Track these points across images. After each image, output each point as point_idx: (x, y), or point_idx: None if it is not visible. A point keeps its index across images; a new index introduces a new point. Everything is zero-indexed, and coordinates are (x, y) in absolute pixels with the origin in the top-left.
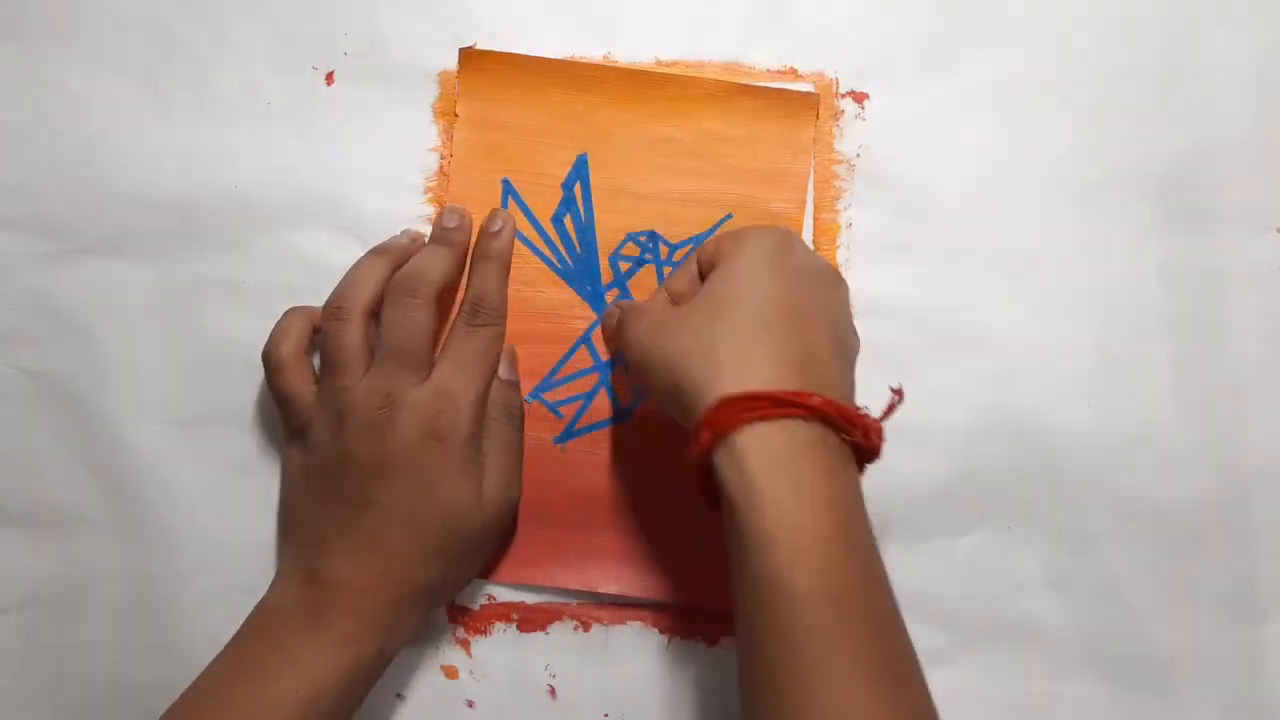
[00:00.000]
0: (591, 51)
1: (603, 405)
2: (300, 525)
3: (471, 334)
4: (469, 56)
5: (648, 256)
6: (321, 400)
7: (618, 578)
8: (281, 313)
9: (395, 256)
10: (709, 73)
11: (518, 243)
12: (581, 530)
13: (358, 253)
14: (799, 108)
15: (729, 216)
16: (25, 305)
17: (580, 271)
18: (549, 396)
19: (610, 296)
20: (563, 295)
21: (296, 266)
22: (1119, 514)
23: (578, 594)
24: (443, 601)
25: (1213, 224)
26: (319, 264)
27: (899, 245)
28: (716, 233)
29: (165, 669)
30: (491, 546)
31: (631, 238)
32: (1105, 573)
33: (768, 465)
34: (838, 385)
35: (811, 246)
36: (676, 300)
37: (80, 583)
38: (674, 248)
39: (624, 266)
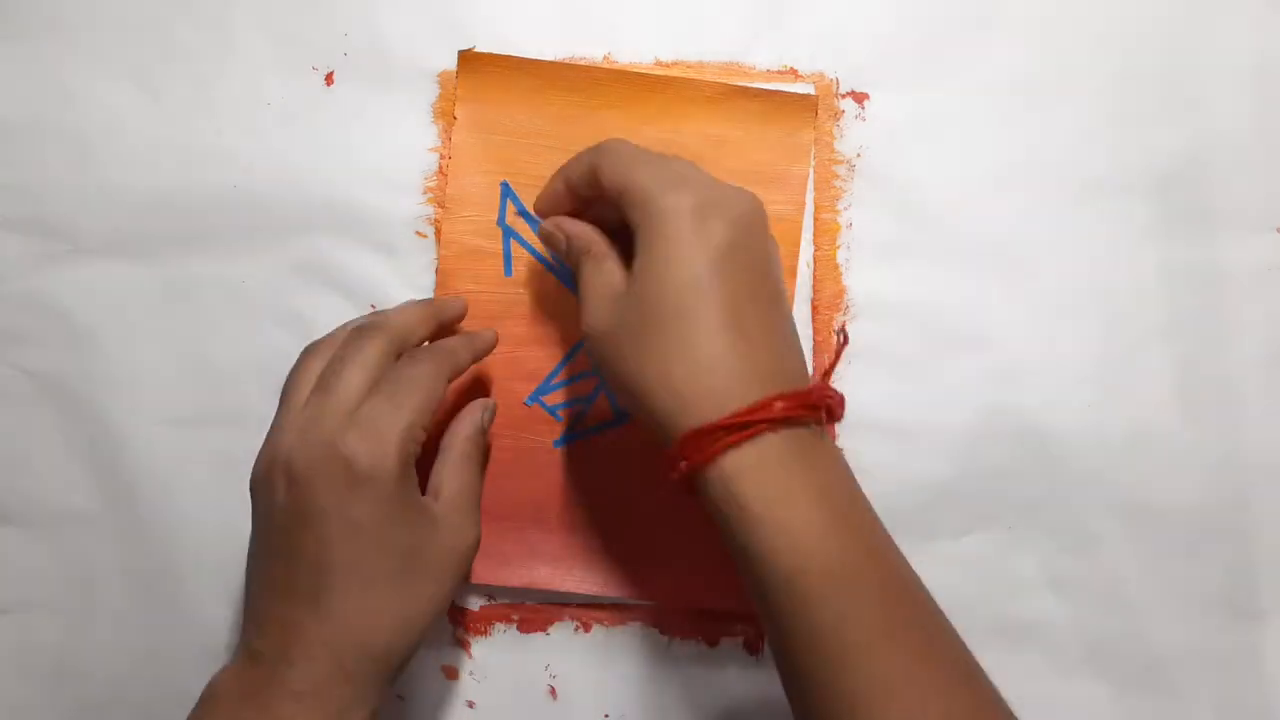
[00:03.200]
0: (592, 51)
1: (602, 408)
2: (247, 586)
3: (407, 362)
4: (468, 59)
5: None
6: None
7: (613, 581)
8: (280, 313)
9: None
10: (709, 73)
11: (516, 245)
12: (579, 533)
13: (357, 253)
14: (798, 110)
15: None
16: (25, 306)
17: None
18: (548, 400)
19: None
20: (562, 298)
21: (296, 266)
22: (1120, 514)
23: (576, 596)
24: (404, 663)
25: (1212, 224)
26: (318, 264)
27: (899, 245)
28: (623, 174)
29: (165, 670)
30: (456, 576)
31: None
32: (1106, 572)
33: (748, 486)
34: (792, 369)
35: (812, 246)
36: (598, 258)
37: (80, 583)
38: None
39: None
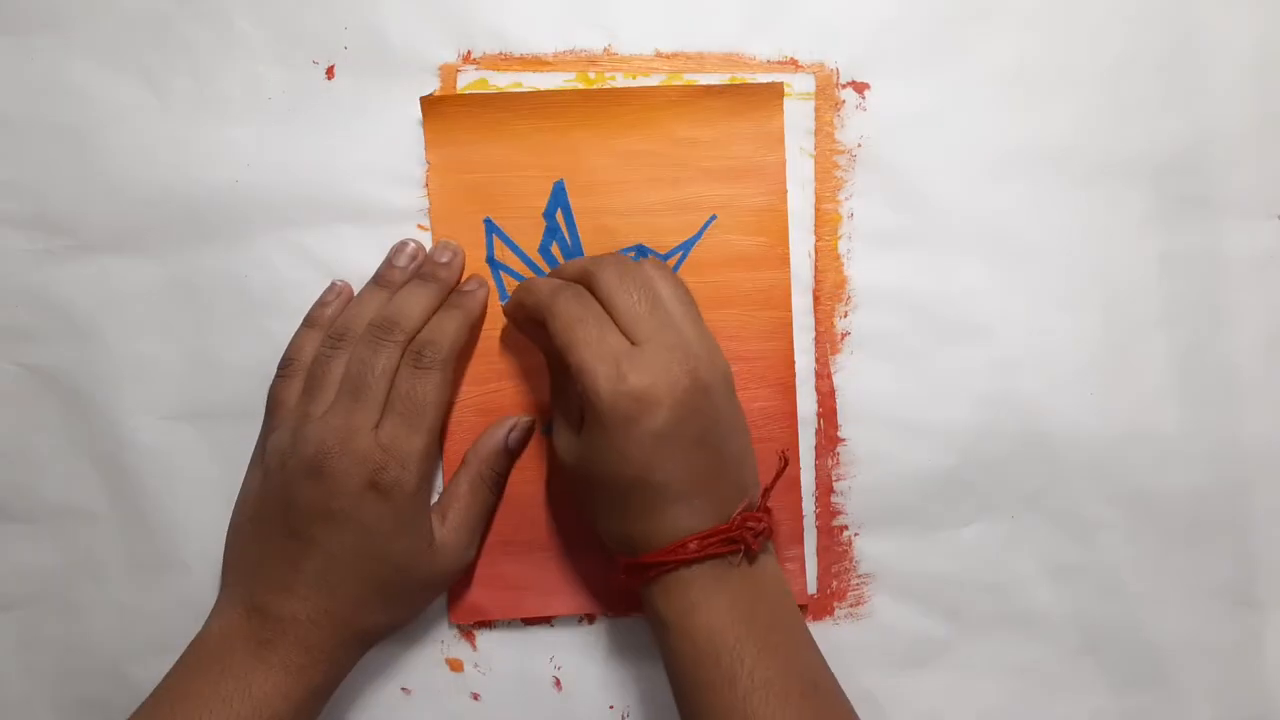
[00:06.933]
0: (592, 43)
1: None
2: (242, 554)
3: (415, 379)
4: (430, 103)
5: None
6: (291, 418)
7: (584, 599)
8: (282, 306)
9: (397, 289)
10: (709, 64)
11: (507, 278)
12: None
13: (359, 246)
14: (765, 99)
15: (714, 218)
16: (27, 301)
17: None
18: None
19: None
20: None
21: (298, 260)
22: (1120, 503)
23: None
24: (383, 638)
25: (1213, 211)
26: (320, 257)
27: (900, 235)
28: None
29: (168, 664)
30: (440, 591)
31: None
32: (1106, 562)
33: (698, 595)
34: (732, 495)
35: (813, 239)
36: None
37: (83, 578)
38: (664, 257)
39: None
